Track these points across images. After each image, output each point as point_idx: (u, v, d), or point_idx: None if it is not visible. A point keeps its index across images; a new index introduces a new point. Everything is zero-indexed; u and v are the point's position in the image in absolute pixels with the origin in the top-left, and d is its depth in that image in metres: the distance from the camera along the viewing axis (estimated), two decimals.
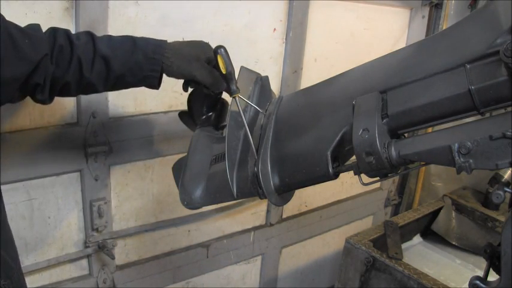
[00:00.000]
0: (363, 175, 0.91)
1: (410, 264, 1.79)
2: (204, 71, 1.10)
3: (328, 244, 2.74)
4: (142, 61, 1.06)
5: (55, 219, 1.59)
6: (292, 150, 1.03)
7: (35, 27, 0.99)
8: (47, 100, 1.03)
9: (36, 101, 1.03)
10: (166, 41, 1.11)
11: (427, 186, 2.92)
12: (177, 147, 1.77)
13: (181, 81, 1.73)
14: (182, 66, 1.09)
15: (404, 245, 2.10)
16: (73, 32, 1.40)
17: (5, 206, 1.03)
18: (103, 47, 1.04)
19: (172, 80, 1.72)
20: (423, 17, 2.62)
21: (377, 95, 0.90)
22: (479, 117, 0.83)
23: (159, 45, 1.09)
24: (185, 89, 1.22)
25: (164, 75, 1.13)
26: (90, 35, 1.06)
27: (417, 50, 0.99)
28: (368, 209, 2.86)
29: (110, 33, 1.48)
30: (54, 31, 1.02)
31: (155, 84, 1.12)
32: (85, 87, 1.06)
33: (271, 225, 2.32)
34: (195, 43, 1.15)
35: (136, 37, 1.10)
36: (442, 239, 2.32)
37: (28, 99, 1.04)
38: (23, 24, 1.01)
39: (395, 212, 3.03)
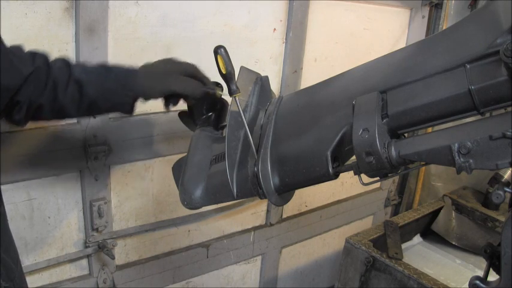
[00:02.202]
0: (363, 175, 0.91)
1: (410, 264, 1.79)
2: (179, 81, 1.10)
3: (328, 244, 2.74)
4: (116, 87, 1.06)
5: (55, 219, 1.59)
6: (292, 150, 1.03)
7: (19, 47, 1.01)
8: (22, 121, 1.02)
9: (12, 121, 1.01)
10: (137, 68, 1.12)
11: (427, 186, 2.92)
12: (177, 147, 1.78)
13: None
14: (157, 86, 1.09)
15: (404, 245, 2.10)
16: (73, 31, 1.43)
17: (5, 206, 1.03)
18: (77, 72, 1.05)
19: None
20: (423, 17, 2.62)
21: (377, 95, 0.90)
22: (479, 117, 0.83)
23: (131, 71, 1.09)
24: (167, 106, 1.20)
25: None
26: (66, 61, 1.07)
27: (417, 50, 0.99)
28: (368, 209, 2.86)
29: (110, 33, 1.50)
30: (33, 54, 1.03)
31: (128, 109, 1.11)
32: (58, 111, 1.05)
33: (271, 225, 2.32)
34: (165, 60, 1.15)
35: (110, 64, 1.11)
36: (442, 239, 2.32)
37: None
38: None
39: (396, 212, 3.03)
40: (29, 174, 1.47)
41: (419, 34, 2.63)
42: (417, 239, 2.35)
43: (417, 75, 0.88)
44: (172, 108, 1.21)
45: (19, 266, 1.04)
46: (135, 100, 1.10)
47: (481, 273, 1.01)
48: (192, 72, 1.14)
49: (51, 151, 1.49)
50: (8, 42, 1.32)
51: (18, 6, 1.31)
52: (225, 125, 1.24)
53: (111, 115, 1.60)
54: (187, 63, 1.15)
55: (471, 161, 0.77)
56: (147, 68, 1.11)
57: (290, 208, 2.41)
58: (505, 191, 0.80)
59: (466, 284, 0.89)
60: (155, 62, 1.14)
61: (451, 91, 0.82)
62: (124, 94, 1.07)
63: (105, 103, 1.08)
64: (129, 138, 1.66)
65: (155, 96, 1.11)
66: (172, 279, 1.99)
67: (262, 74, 1.23)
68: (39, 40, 1.38)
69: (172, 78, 1.10)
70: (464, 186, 2.62)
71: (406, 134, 0.95)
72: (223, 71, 1.05)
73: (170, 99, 1.15)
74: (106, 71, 1.08)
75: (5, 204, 1.03)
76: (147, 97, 1.10)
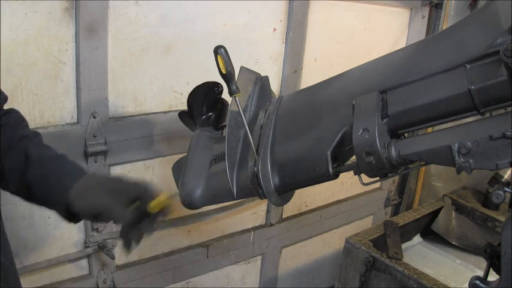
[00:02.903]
0: (363, 175, 0.91)
1: (410, 264, 1.78)
2: (110, 205, 0.93)
3: (328, 244, 2.74)
4: (52, 179, 0.96)
5: (55, 219, 1.58)
6: (292, 150, 1.03)
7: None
8: None
9: None
10: (83, 176, 0.98)
11: (427, 186, 2.91)
12: (177, 147, 1.77)
13: (182, 80, 1.74)
14: (87, 201, 0.94)
15: (404, 245, 2.10)
16: (73, 31, 1.43)
17: (5, 206, 1.03)
18: (33, 145, 1.00)
19: (172, 79, 1.73)
20: (423, 17, 2.62)
21: (377, 94, 0.90)
22: (479, 117, 0.83)
23: (72, 176, 0.97)
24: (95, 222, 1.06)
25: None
26: (36, 133, 1.06)
27: (417, 49, 0.99)
28: (368, 209, 2.86)
29: (110, 33, 1.50)
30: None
31: (62, 213, 0.98)
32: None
33: (271, 225, 2.32)
34: (114, 179, 1.01)
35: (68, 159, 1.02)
36: (442, 239, 2.32)
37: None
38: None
39: (396, 212, 3.03)
40: None
41: (419, 34, 2.62)
42: (417, 239, 2.35)
43: (417, 75, 0.88)
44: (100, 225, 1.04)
45: (13, 266, 1.03)
46: (67, 207, 0.96)
47: (481, 273, 1.01)
48: (136, 196, 0.96)
49: None
50: (8, 42, 1.33)
51: (18, 6, 1.31)
52: (225, 125, 1.24)
53: (111, 114, 1.60)
54: (136, 184, 0.98)
55: (471, 161, 0.77)
56: (91, 180, 0.97)
57: (290, 208, 2.41)
58: (505, 191, 0.80)
59: (466, 284, 0.89)
60: (103, 179, 1.01)
61: (451, 91, 0.82)
62: (59, 192, 0.95)
63: (39, 190, 0.97)
64: (129, 138, 1.66)
65: (82, 211, 0.96)
66: (172, 279, 1.99)
67: (262, 74, 1.23)
68: (39, 40, 1.38)
69: (104, 200, 0.94)
70: (464, 186, 2.62)
71: (406, 134, 0.95)
72: (223, 71, 1.05)
73: (99, 217, 0.97)
74: (57, 160, 1.00)
75: (5, 204, 1.03)
76: (75, 208, 0.96)
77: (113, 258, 1.70)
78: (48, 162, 0.99)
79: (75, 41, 1.45)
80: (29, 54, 1.38)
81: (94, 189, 0.95)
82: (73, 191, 0.94)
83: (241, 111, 1.04)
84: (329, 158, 0.93)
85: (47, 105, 1.47)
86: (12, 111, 1.06)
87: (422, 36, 2.63)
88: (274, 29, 1.97)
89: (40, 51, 1.40)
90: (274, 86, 1.84)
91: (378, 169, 0.86)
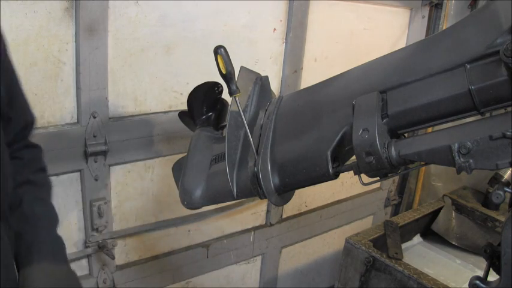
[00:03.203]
0: (362, 175, 0.91)
1: (410, 264, 1.78)
2: None
3: (328, 244, 2.74)
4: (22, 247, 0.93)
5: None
6: (292, 150, 1.03)
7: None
8: None
9: None
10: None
11: (427, 186, 2.91)
12: (177, 147, 1.78)
13: (182, 80, 1.74)
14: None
15: (404, 245, 2.10)
16: (73, 31, 1.43)
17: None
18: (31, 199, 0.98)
19: (172, 79, 1.73)
20: (423, 17, 2.62)
21: (377, 94, 0.90)
22: (479, 117, 0.83)
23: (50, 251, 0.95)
24: None
25: None
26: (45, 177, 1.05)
27: (417, 49, 0.99)
28: (368, 209, 2.86)
29: (110, 33, 1.50)
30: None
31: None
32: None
33: (271, 225, 2.32)
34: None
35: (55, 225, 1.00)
36: (442, 239, 2.32)
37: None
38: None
39: (396, 212, 3.03)
40: None
41: (419, 34, 2.63)
42: (417, 239, 2.34)
43: (417, 75, 0.88)
44: None
45: (12, 275, 1.00)
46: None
47: (481, 273, 1.01)
48: None
49: (51, 151, 1.49)
50: (8, 42, 1.33)
51: (18, 6, 1.32)
52: (225, 125, 1.24)
53: (111, 114, 1.60)
54: None
55: (471, 161, 0.77)
56: (33, 273, 0.92)
57: (290, 208, 2.41)
58: (505, 191, 0.80)
59: (466, 284, 0.89)
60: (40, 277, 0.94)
61: (451, 91, 0.82)
62: (19, 262, 0.93)
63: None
64: (129, 138, 1.66)
65: None
66: (172, 279, 1.99)
67: (262, 74, 1.23)
68: (39, 40, 1.38)
69: None
70: (464, 186, 2.62)
71: (406, 134, 0.95)
72: (223, 71, 1.05)
73: None
74: (40, 225, 0.97)
75: None
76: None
77: (112, 258, 1.70)
78: (31, 224, 0.97)
79: (75, 41, 1.45)
80: (29, 54, 1.38)
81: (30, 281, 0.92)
82: (21, 272, 0.93)
83: (241, 111, 1.04)
84: (329, 158, 0.93)
85: (47, 105, 1.47)
86: (36, 149, 1.05)
87: (422, 36, 2.63)
88: (274, 29, 1.97)
89: (40, 51, 1.40)
90: (274, 86, 1.84)
91: (378, 169, 0.86)
